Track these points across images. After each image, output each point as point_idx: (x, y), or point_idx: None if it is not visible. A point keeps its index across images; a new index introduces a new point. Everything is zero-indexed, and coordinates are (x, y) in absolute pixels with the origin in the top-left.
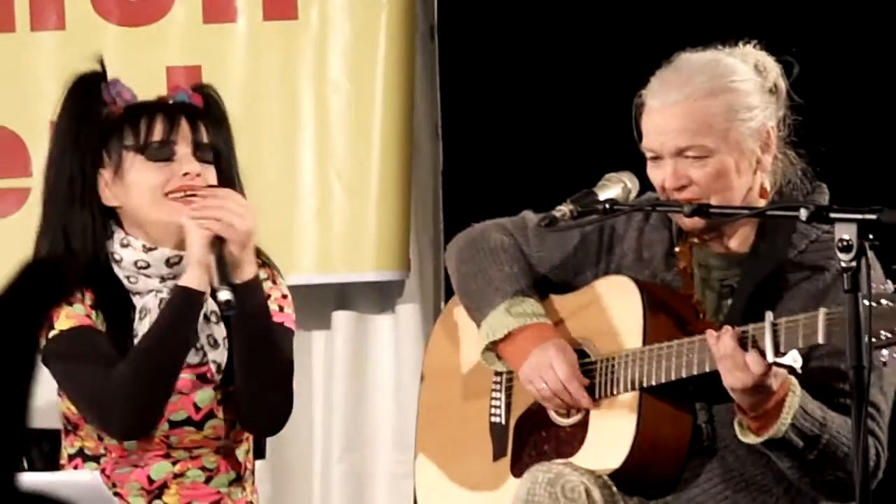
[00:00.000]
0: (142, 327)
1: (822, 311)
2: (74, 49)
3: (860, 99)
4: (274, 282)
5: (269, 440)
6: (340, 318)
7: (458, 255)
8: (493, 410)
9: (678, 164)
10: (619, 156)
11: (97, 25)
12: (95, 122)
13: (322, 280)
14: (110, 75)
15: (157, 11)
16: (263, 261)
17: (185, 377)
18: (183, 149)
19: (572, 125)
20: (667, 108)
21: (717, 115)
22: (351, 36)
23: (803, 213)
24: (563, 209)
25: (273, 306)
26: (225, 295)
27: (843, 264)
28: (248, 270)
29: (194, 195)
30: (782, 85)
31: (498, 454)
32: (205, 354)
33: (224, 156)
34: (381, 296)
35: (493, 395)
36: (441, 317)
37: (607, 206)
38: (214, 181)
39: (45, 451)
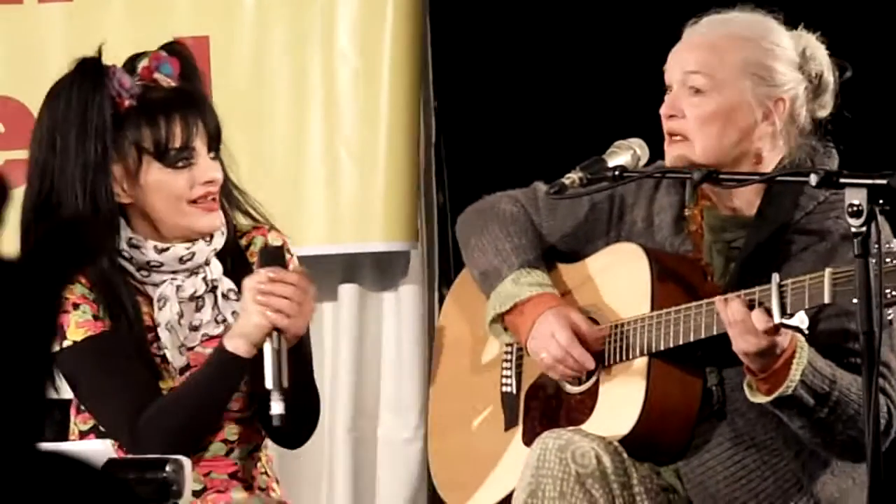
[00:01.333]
0: (162, 316)
1: (827, 272)
2: (82, 21)
3: (872, 65)
4: (290, 252)
5: None
6: (346, 290)
7: (468, 228)
8: (504, 381)
9: (679, 94)
10: (625, 125)
11: None
12: (103, 113)
13: (330, 250)
14: (116, 48)
15: None
16: (272, 226)
17: (207, 351)
18: (201, 151)
19: (573, 95)
20: (694, 37)
21: (732, 60)
22: (359, 6)
23: (813, 179)
24: (573, 176)
25: None
26: (278, 409)
27: (854, 229)
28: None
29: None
30: (829, 80)
31: (510, 424)
32: (227, 328)
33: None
34: (384, 267)
35: (504, 365)
36: (453, 289)
37: (616, 172)
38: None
39: (57, 419)
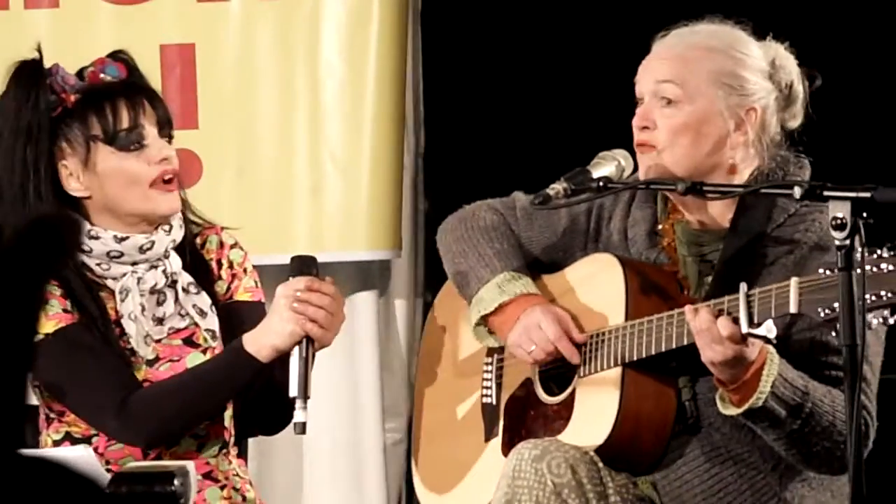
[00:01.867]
0: (125, 308)
1: (793, 281)
2: (68, 27)
3: (851, 79)
4: (242, 249)
5: None
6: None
7: (449, 235)
8: (484, 391)
9: (650, 105)
10: (608, 136)
11: (91, 3)
12: (46, 111)
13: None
14: (103, 54)
15: None
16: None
17: (174, 343)
18: (151, 132)
19: (558, 105)
20: (665, 49)
21: (702, 70)
22: (344, 16)
23: (797, 192)
24: (557, 187)
25: (250, 282)
26: (301, 417)
27: (837, 242)
28: None
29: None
30: (799, 90)
31: (489, 434)
32: (193, 322)
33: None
34: (366, 276)
35: (485, 375)
36: (438, 298)
37: (601, 183)
38: (177, 157)
39: (35, 426)
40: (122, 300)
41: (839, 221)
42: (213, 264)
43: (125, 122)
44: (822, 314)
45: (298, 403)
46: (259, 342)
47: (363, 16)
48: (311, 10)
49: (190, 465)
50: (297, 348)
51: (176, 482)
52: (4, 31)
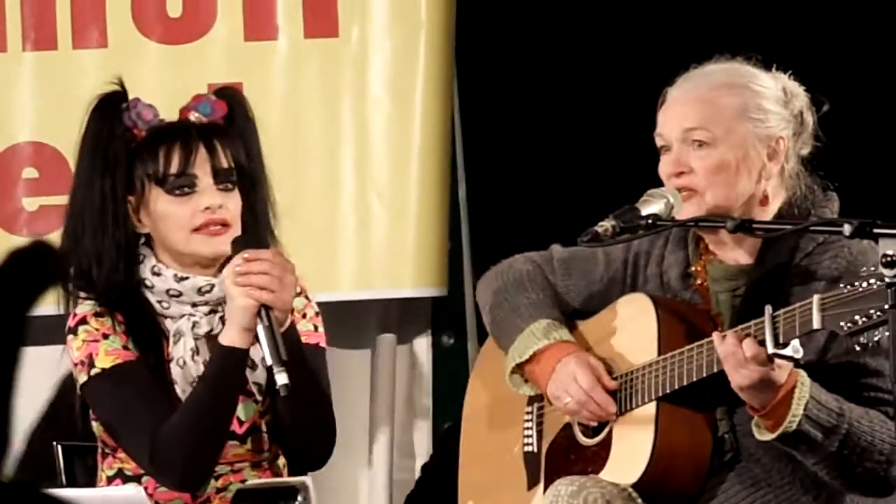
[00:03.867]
0: (176, 351)
1: (815, 298)
2: (116, 67)
3: (874, 108)
4: (307, 297)
5: None
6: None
7: (487, 288)
8: (525, 440)
9: (682, 151)
10: (649, 180)
11: (139, 43)
12: (120, 144)
13: (361, 296)
14: (151, 94)
15: (198, 29)
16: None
17: None
18: (204, 179)
19: (597, 151)
20: (682, 94)
21: (728, 108)
22: (391, 54)
23: (847, 229)
24: (605, 224)
25: (308, 326)
26: (283, 379)
27: (888, 279)
28: (287, 319)
29: (220, 227)
30: (809, 118)
31: (532, 483)
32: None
33: (245, 168)
34: (414, 314)
35: (526, 424)
36: (478, 357)
37: (650, 221)
38: (237, 208)
39: (89, 465)
40: (175, 343)
41: (890, 259)
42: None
43: (175, 167)
44: (844, 327)
45: (276, 368)
46: (228, 332)
47: (410, 53)
48: (357, 48)
49: (308, 480)
50: (259, 321)
51: (299, 497)
52: (54, 72)
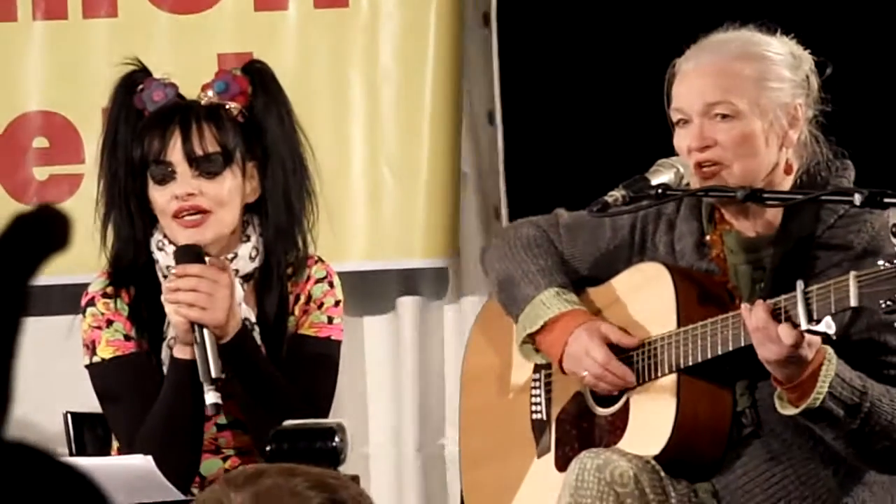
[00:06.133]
0: (169, 331)
1: (852, 275)
2: (126, 36)
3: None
4: (331, 285)
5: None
6: (405, 303)
7: (493, 254)
8: (533, 408)
9: (705, 124)
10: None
11: (149, 13)
12: (131, 125)
13: (372, 267)
14: (161, 64)
15: None
16: (319, 258)
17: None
18: (180, 166)
19: (631, 112)
20: (700, 67)
21: (748, 78)
22: (401, 23)
23: (857, 199)
24: (616, 194)
25: (321, 318)
26: (211, 398)
27: None
28: (230, 330)
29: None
30: (814, 81)
31: (542, 451)
32: None
33: (262, 147)
34: (442, 279)
35: (533, 392)
36: (477, 320)
37: (660, 191)
38: (222, 193)
39: (99, 435)
40: (168, 324)
41: None
42: (292, 298)
43: (152, 155)
44: (883, 306)
45: (206, 387)
46: (177, 346)
47: (420, 23)
48: (367, 17)
49: (344, 421)
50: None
51: (337, 438)
52: (64, 41)
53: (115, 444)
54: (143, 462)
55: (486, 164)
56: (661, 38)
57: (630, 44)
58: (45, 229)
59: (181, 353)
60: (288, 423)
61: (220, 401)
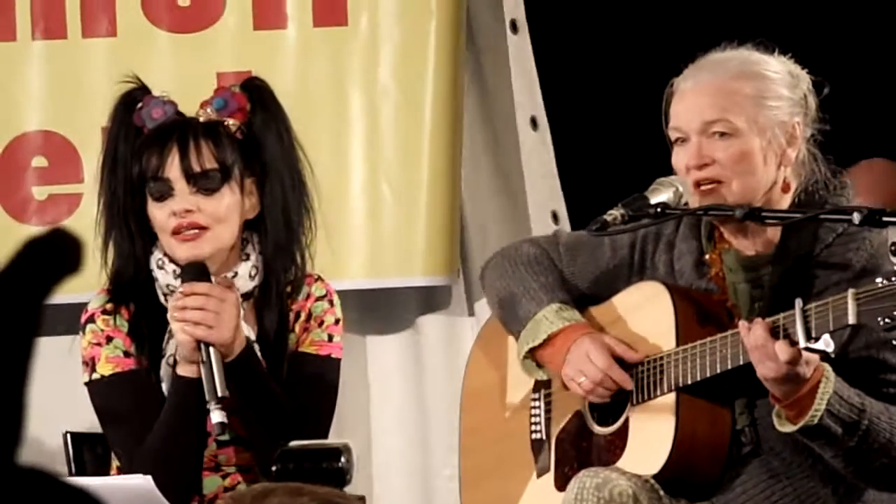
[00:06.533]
0: (168, 348)
1: (850, 292)
2: (126, 56)
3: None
4: (331, 303)
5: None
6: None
7: (493, 272)
8: (533, 427)
9: (703, 143)
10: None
11: (148, 32)
12: (130, 142)
13: (371, 285)
14: (160, 82)
15: (207, 18)
16: (319, 276)
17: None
18: (178, 183)
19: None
20: (699, 86)
21: (747, 97)
22: (400, 42)
23: (856, 217)
24: (614, 213)
25: (321, 335)
26: (217, 417)
27: None
28: (236, 348)
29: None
30: (812, 100)
31: (541, 470)
32: None
33: (261, 165)
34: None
35: (533, 411)
36: (476, 340)
37: (658, 209)
38: (220, 209)
39: (98, 454)
40: (168, 340)
41: None
42: (292, 315)
43: (150, 172)
44: (881, 323)
45: (211, 405)
46: (180, 363)
47: (419, 41)
48: (367, 36)
49: (350, 442)
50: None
51: (342, 458)
52: (63, 60)
53: (114, 464)
54: (142, 482)
55: (535, 170)
56: (658, 57)
57: (631, 63)
58: (57, 253)
59: (185, 371)
60: (294, 443)
61: (226, 420)
